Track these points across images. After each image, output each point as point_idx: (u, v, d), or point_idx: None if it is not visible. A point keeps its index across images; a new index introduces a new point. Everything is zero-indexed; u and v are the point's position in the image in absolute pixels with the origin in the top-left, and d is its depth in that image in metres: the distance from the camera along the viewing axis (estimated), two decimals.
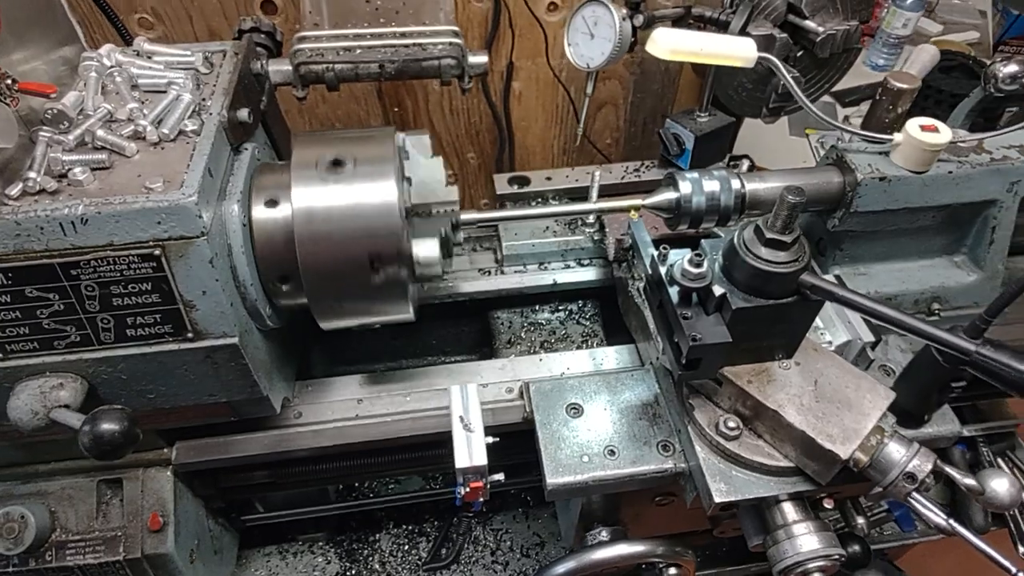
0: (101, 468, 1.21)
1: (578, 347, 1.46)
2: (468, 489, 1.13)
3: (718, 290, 0.92)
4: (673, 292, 0.95)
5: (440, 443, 1.25)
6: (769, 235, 0.89)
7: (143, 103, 1.02)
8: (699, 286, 0.93)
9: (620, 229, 1.37)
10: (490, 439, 1.13)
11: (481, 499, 1.16)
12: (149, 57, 1.11)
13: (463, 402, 1.18)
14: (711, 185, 1.15)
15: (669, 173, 1.18)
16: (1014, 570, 0.93)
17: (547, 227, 1.51)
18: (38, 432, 0.95)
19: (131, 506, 1.19)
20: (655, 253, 1.01)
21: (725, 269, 0.95)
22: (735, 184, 1.16)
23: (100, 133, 0.94)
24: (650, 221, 1.41)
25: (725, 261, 0.95)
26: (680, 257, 0.95)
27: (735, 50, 1.11)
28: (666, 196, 1.16)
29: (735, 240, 0.93)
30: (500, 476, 1.14)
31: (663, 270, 0.98)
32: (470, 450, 1.12)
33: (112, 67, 1.06)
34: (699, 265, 0.93)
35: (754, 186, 1.17)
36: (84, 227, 0.87)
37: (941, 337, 0.85)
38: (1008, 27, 2.98)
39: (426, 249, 1.11)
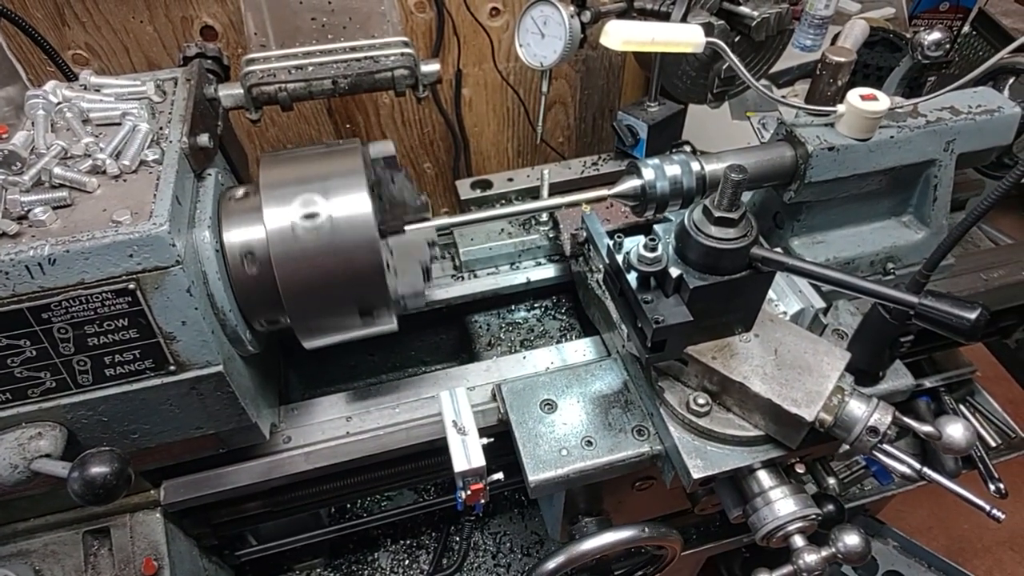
0: (85, 519, 1.16)
1: (557, 342, 1.47)
2: (469, 492, 1.13)
3: (675, 272, 0.95)
4: (632, 278, 0.98)
5: (435, 451, 1.25)
6: (717, 214, 0.92)
7: (98, 137, 0.99)
8: (656, 270, 0.96)
9: (573, 225, 1.40)
10: (485, 440, 1.14)
11: (482, 501, 1.17)
12: (97, 90, 1.08)
13: (454, 407, 1.18)
14: (672, 169, 1.18)
15: (631, 162, 1.21)
16: (988, 507, 0.98)
17: (502, 229, 1.52)
18: (20, 486, 0.91)
19: (121, 554, 1.14)
20: (610, 243, 1.04)
21: (679, 251, 0.98)
22: (695, 166, 1.19)
23: (57, 171, 0.91)
24: (602, 214, 1.45)
25: (678, 243, 0.98)
26: (635, 244, 0.98)
27: (685, 36, 1.15)
28: (631, 184, 1.19)
29: (686, 222, 0.96)
30: (499, 475, 1.15)
31: (620, 258, 1.01)
32: (467, 453, 1.12)
33: (60, 103, 1.02)
34: (654, 249, 0.96)
35: (713, 167, 1.21)
36: (52, 267, 0.84)
37: (887, 294, 0.90)
38: (918, 1, 3.17)
39: (410, 284, 1.11)
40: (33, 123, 1.00)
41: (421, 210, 1.16)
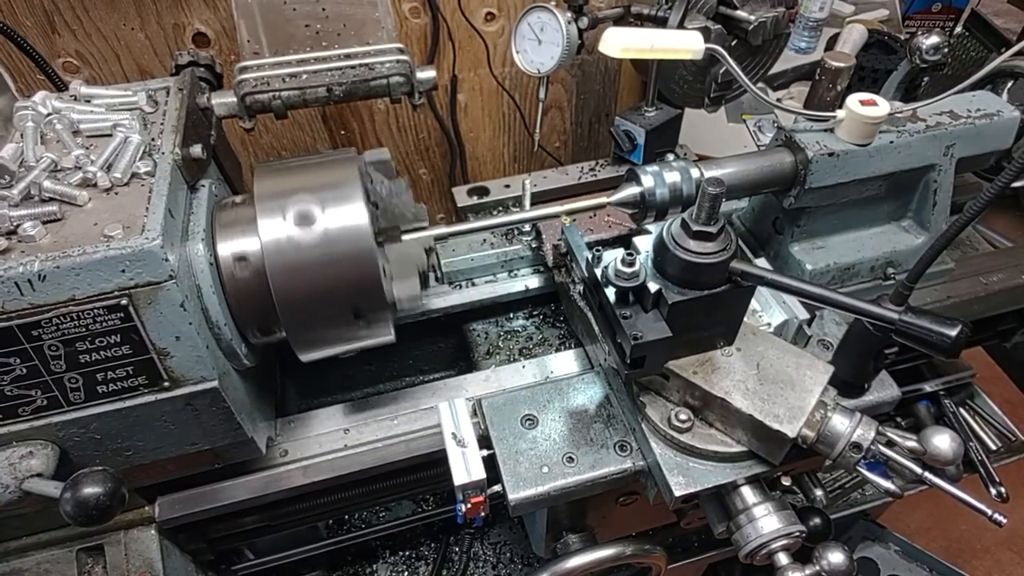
0: (78, 536, 1.14)
1: (556, 350, 1.46)
2: (469, 505, 1.11)
3: (653, 287, 0.93)
4: (610, 293, 0.97)
5: (434, 463, 1.24)
6: (695, 227, 0.91)
7: (88, 149, 0.97)
8: (633, 285, 0.94)
9: (556, 235, 1.37)
10: (485, 452, 1.12)
11: (482, 514, 1.15)
12: (88, 101, 1.06)
13: (453, 418, 1.16)
14: (672, 176, 1.17)
15: (630, 169, 1.20)
16: (989, 512, 0.97)
17: (484, 240, 1.50)
18: (11, 507, 0.89)
19: (116, 572, 1.12)
20: (589, 256, 1.02)
21: (657, 265, 0.97)
22: (694, 173, 1.19)
23: (47, 184, 0.89)
24: (585, 224, 1.43)
25: (656, 257, 0.97)
26: (614, 258, 0.96)
27: (684, 43, 1.14)
28: (630, 192, 1.18)
29: (663, 235, 0.94)
30: (499, 487, 1.13)
31: (598, 272, 0.99)
32: (467, 465, 1.10)
33: (50, 114, 1.01)
34: (631, 264, 0.94)
35: (712, 173, 1.20)
36: (42, 284, 0.82)
37: (867, 309, 0.88)
38: (911, 3, 3.18)
39: (407, 288, 1.10)
40: (22, 135, 0.98)
41: (418, 218, 1.14)
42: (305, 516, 1.28)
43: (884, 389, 1.12)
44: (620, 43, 1.11)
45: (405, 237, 1.14)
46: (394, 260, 1.13)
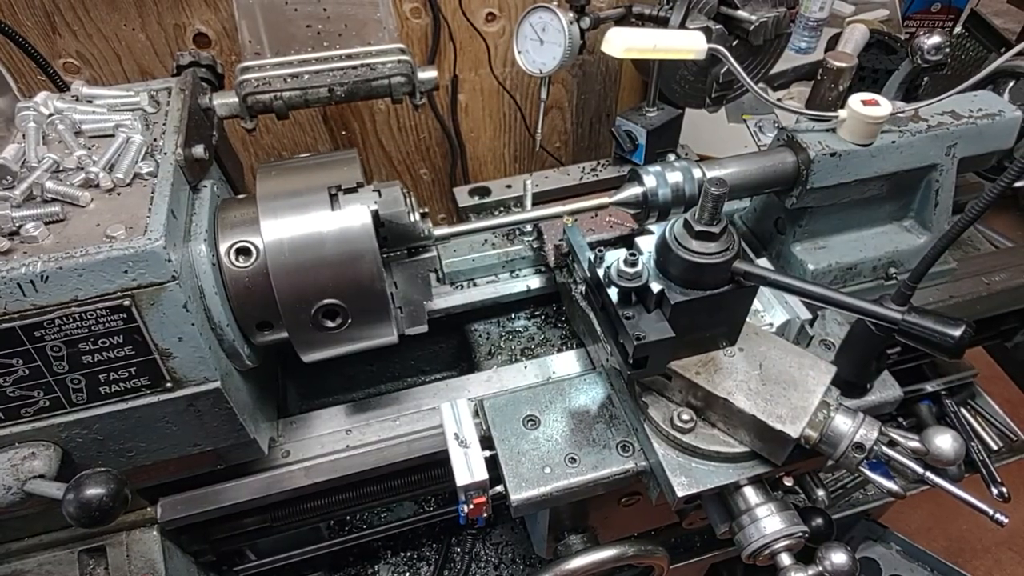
0: (80, 538, 1.14)
1: (558, 350, 1.46)
2: (472, 506, 1.11)
3: (655, 287, 0.93)
4: (612, 293, 0.96)
5: (436, 464, 1.24)
6: (698, 228, 0.90)
7: (91, 149, 0.97)
8: (636, 285, 0.94)
9: (557, 236, 1.38)
10: (487, 452, 1.12)
11: (485, 514, 1.15)
12: (90, 101, 1.06)
13: (455, 419, 1.16)
14: (674, 176, 1.17)
15: (632, 169, 1.20)
16: (991, 512, 0.97)
17: (485, 240, 1.50)
18: (13, 508, 0.89)
19: (118, 573, 1.12)
20: (591, 256, 1.02)
21: (660, 265, 0.96)
22: (696, 173, 1.19)
23: (49, 184, 0.89)
24: (586, 224, 1.43)
25: (659, 257, 0.96)
26: (616, 258, 0.96)
27: (687, 43, 1.14)
28: (632, 192, 1.18)
29: (666, 236, 0.94)
30: (501, 487, 1.13)
31: (600, 272, 0.99)
32: (469, 466, 1.10)
33: (51, 115, 1.01)
34: (634, 264, 0.94)
35: (715, 173, 1.20)
36: (44, 284, 0.82)
37: (870, 309, 0.88)
38: (910, 3, 3.18)
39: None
40: (24, 136, 0.98)
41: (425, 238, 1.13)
42: (307, 517, 1.28)
43: (886, 389, 1.12)
44: (623, 43, 1.11)
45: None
46: (398, 278, 1.12)
